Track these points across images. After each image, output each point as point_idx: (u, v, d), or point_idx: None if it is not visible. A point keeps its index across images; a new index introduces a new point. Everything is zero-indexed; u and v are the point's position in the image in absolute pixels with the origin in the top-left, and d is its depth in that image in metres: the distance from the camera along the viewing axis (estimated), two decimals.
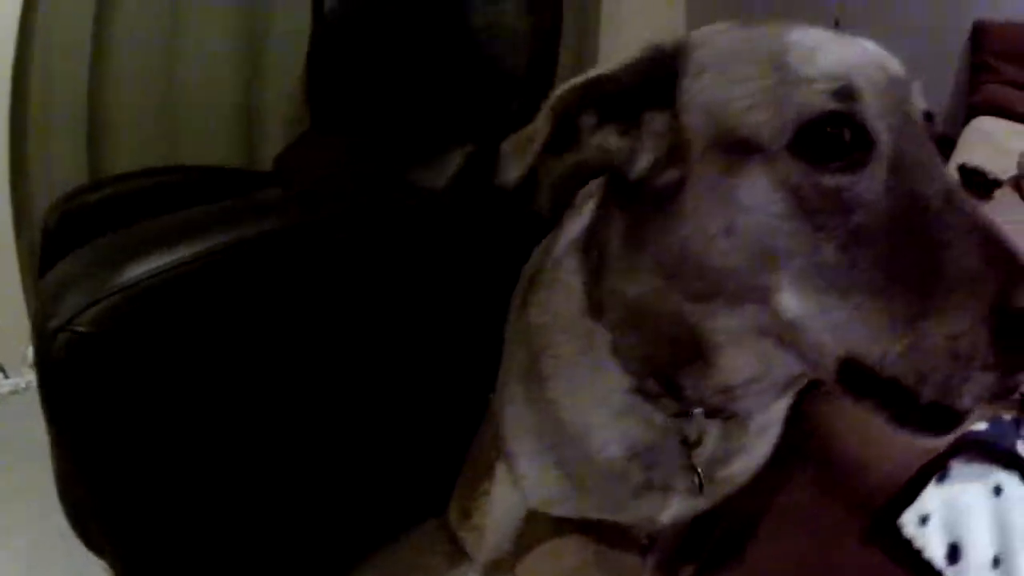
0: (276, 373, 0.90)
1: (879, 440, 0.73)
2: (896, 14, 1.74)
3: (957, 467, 0.69)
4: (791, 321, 0.47)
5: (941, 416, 0.44)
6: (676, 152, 0.52)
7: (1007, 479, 0.70)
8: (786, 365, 0.52)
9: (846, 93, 0.45)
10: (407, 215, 1.05)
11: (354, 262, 1.01)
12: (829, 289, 0.44)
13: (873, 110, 0.46)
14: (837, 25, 1.75)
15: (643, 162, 0.53)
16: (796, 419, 0.78)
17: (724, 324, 0.52)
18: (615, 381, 0.63)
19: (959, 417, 0.44)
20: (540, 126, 0.52)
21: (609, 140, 0.54)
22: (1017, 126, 1.46)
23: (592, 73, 0.52)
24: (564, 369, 0.67)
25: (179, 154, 1.93)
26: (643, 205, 0.54)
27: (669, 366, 0.58)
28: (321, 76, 1.82)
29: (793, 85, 0.46)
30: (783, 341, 0.49)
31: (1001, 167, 1.33)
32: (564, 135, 0.53)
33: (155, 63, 1.90)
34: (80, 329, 0.69)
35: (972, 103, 1.58)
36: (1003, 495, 0.66)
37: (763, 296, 0.48)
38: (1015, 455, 0.72)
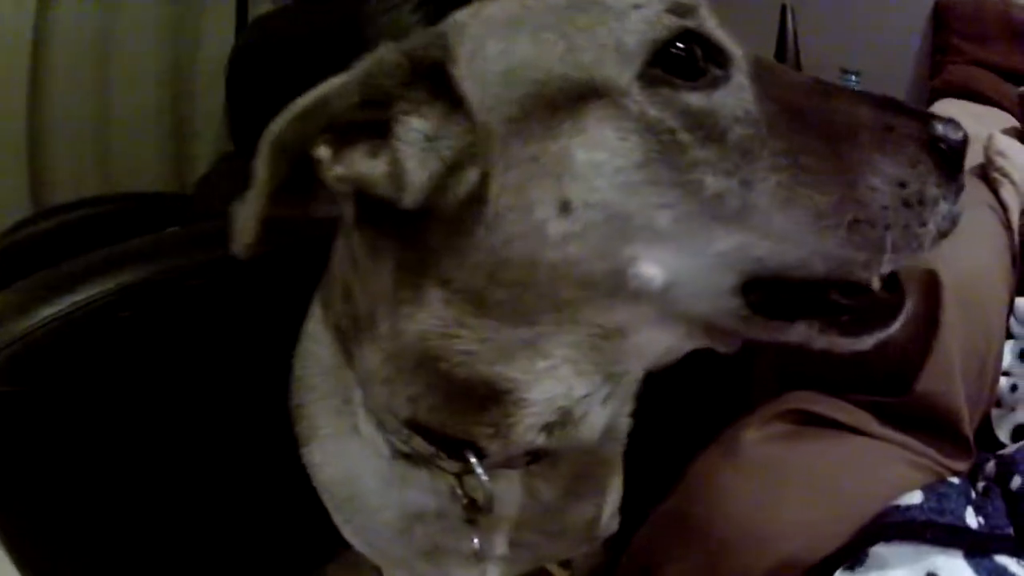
0: (163, 412, 0.92)
1: (778, 508, 0.59)
2: None
3: (878, 553, 0.55)
4: (663, 285, 0.42)
5: (878, 310, 0.43)
6: (467, 148, 0.43)
7: (946, 562, 0.56)
8: (618, 363, 0.47)
9: (683, 9, 0.42)
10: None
11: (218, 307, 0.98)
12: (716, 222, 0.40)
13: (712, 23, 0.44)
14: (785, 9, 1.58)
15: (417, 180, 0.43)
16: (673, 478, 0.67)
17: (548, 345, 0.45)
18: (377, 447, 0.54)
19: (899, 306, 0.43)
20: (259, 175, 0.43)
21: (357, 167, 0.44)
22: (982, 108, 1.38)
23: (315, 93, 0.43)
24: (320, 433, 0.59)
25: (115, 181, 1.94)
26: (422, 231, 0.45)
27: (451, 417, 0.49)
28: (238, 99, 1.77)
29: (620, 13, 0.42)
30: (635, 327, 0.45)
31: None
32: (300, 176, 0.44)
33: (88, 89, 1.90)
34: None
35: (934, 86, 1.51)
36: None
37: (615, 281, 0.42)
38: (957, 529, 0.58)
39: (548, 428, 0.48)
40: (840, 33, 1.66)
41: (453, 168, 0.43)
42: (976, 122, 1.40)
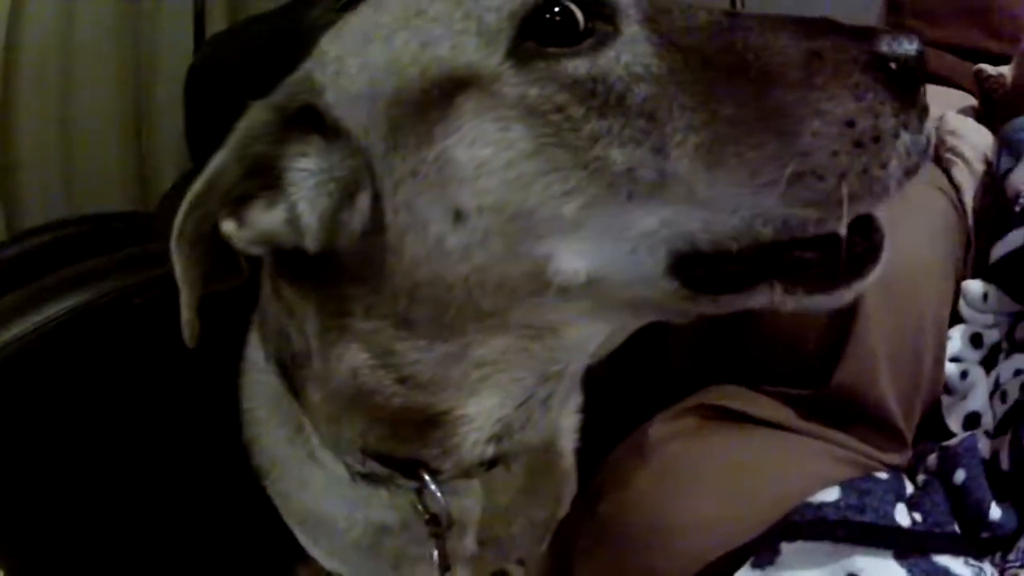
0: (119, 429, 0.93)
1: (684, 504, 0.57)
2: None
3: (789, 551, 0.53)
4: (588, 278, 0.38)
5: (851, 259, 0.36)
6: (353, 176, 0.42)
7: (870, 563, 0.54)
8: (555, 361, 0.45)
9: None
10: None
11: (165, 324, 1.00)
12: (632, 200, 0.36)
13: None
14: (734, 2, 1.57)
15: (311, 220, 0.43)
16: (591, 470, 0.65)
17: (480, 354, 0.43)
18: (335, 472, 0.53)
19: (875, 250, 0.37)
20: (178, 273, 0.44)
21: (259, 225, 0.44)
22: (942, 89, 1.31)
23: (202, 177, 0.43)
24: (278, 464, 0.59)
25: (82, 203, 1.98)
26: (337, 270, 0.44)
27: (399, 444, 0.48)
28: (195, 116, 1.81)
29: None
30: (568, 323, 0.42)
31: None
32: (215, 252, 0.45)
33: (51, 112, 1.94)
34: None
35: None
36: None
37: (534, 282, 0.39)
38: (879, 528, 0.55)
39: (495, 439, 0.47)
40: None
41: (344, 199, 0.42)
42: (934, 103, 1.38)
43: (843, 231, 0.35)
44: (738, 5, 1.47)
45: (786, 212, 0.35)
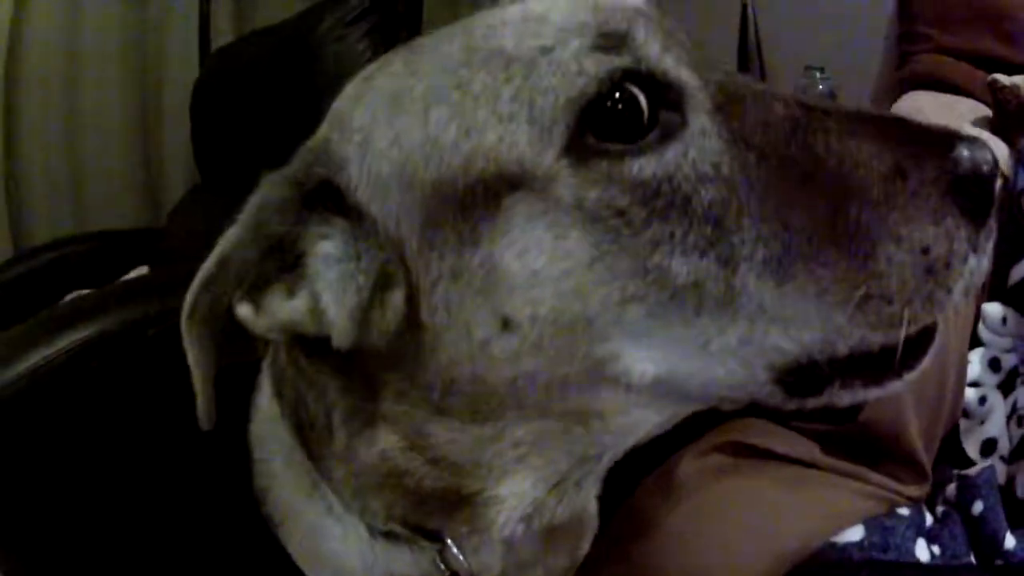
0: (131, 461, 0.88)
1: (710, 543, 0.59)
2: None
3: None
4: (657, 379, 0.35)
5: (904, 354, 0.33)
6: (384, 267, 0.37)
7: None
8: (598, 445, 0.41)
9: (612, 40, 0.33)
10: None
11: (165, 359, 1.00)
12: (701, 313, 0.33)
13: (654, 49, 0.34)
14: (746, 8, 1.58)
15: (338, 319, 0.37)
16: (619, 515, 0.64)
17: (517, 436, 0.40)
18: (355, 529, 0.50)
19: (927, 342, 0.35)
20: (190, 356, 0.39)
21: (279, 316, 0.39)
22: (954, 99, 1.31)
23: (214, 256, 0.38)
24: (292, 516, 0.55)
25: (90, 219, 1.99)
26: (365, 359, 0.40)
27: (426, 518, 0.45)
28: (202, 130, 1.81)
29: (528, 64, 0.33)
30: (619, 411, 0.38)
31: None
32: (231, 335, 0.40)
33: (56, 126, 1.95)
34: None
35: (902, 77, 1.42)
36: None
37: (592, 378, 0.35)
38: (901, 566, 0.55)
39: (527, 519, 0.44)
40: (803, 29, 1.62)
41: (376, 294, 0.37)
42: (948, 113, 1.36)
43: (900, 344, 0.33)
44: (749, 19, 1.46)
45: (853, 332, 0.33)
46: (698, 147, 0.33)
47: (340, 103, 0.41)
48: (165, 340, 0.94)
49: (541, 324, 0.34)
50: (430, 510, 0.44)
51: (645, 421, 0.41)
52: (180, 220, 1.75)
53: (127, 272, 1.57)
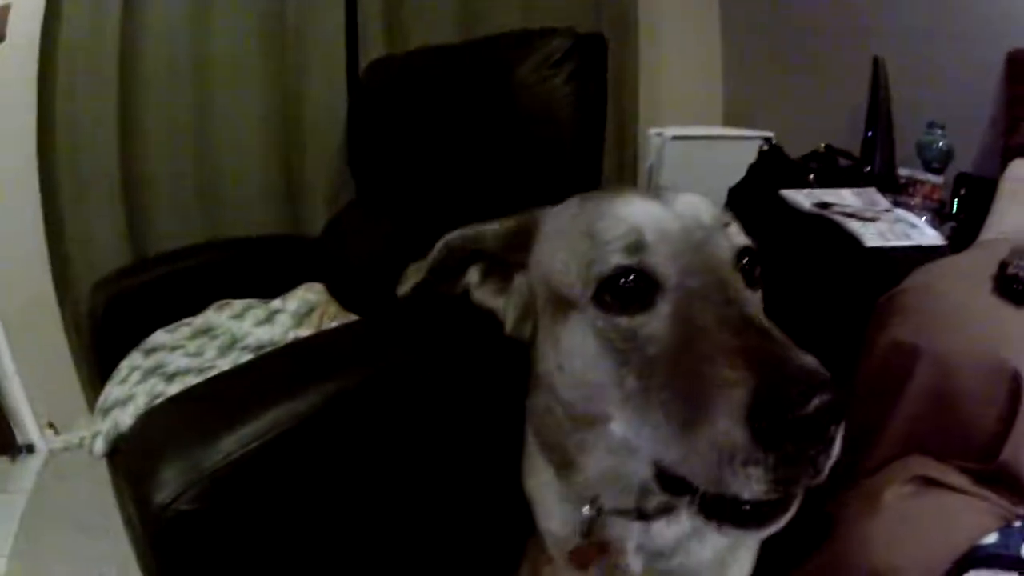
0: (358, 499, 0.96)
1: (904, 549, 0.84)
2: (924, 50, 1.69)
3: None
4: (621, 439, 0.55)
5: (753, 513, 0.47)
6: (530, 306, 0.65)
7: None
8: (635, 473, 0.59)
9: (635, 247, 0.54)
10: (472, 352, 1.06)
11: (431, 395, 1.04)
12: (637, 411, 0.52)
13: (662, 256, 0.54)
14: (877, 65, 1.63)
15: (510, 318, 0.67)
16: (816, 520, 0.90)
17: (581, 438, 0.63)
18: (547, 473, 0.72)
19: (770, 514, 0.47)
20: (432, 256, 0.67)
21: (487, 302, 0.69)
22: None
23: (477, 228, 0.67)
24: (528, 461, 0.77)
25: (219, 227, 1.98)
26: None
27: (559, 466, 0.68)
28: (361, 149, 1.83)
29: (598, 248, 0.56)
30: (625, 454, 0.57)
31: None
32: (454, 271, 0.69)
33: (184, 135, 1.93)
34: (184, 508, 0.79)
35: (1010, 144, 1.43)
36: None
37: (602, 420, 0.56)
38: (1011, 558, 0.83)
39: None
40: (930, 86, 1.69)
41: (524, 315, 0.65)
42: None
43: (697, 503, 0.49)
44: (880, 72, 1.55)
45: (684, 466, 0.47)
46: (656, 322, 0.52)
47: (548, 212, 0.66)
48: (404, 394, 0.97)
49: (573, 376, 0.58)
50: (556, 455, 0.68)
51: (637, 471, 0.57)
52: (342, 234, 1.76)
53: (270, 279, 1.61)
